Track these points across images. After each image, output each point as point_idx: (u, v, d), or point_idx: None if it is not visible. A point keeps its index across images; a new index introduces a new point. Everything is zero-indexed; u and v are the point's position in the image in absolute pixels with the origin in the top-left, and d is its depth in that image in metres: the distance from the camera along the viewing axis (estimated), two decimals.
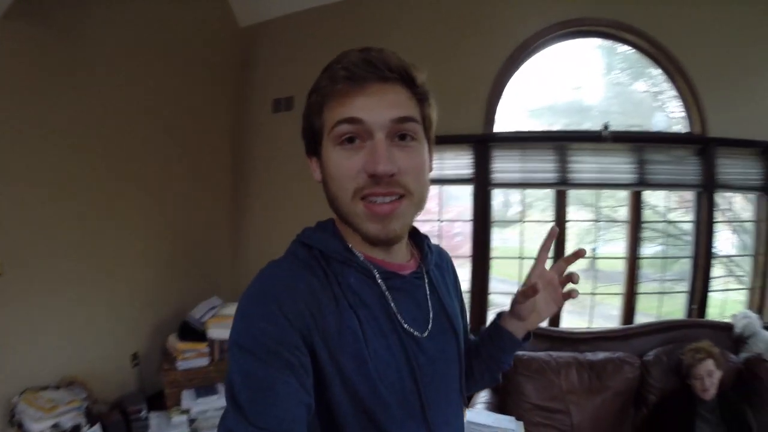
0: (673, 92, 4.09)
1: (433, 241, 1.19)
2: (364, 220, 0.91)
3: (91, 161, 3.48)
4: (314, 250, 0.96)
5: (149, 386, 3.93)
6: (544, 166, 3.96)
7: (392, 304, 0.95)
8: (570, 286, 1.12)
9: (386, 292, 0.95)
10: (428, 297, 1.04)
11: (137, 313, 3.91)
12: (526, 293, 1.08)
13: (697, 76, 3.93)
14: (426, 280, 1.06)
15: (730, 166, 3.95)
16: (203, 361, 3.68)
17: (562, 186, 3.98)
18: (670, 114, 4.26)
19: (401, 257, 1.04)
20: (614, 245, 4.33)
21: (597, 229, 4.33)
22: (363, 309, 0.91)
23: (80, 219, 3.43)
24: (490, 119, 4.00)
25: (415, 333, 0.96)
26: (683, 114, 4.08)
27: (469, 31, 4.11)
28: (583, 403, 2.78)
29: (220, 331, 3.69)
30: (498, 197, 4.33)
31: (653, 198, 4.26)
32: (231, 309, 3.76)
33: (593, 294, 4.16)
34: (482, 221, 4.00)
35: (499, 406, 2.83)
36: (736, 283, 4.25)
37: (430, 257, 1.10)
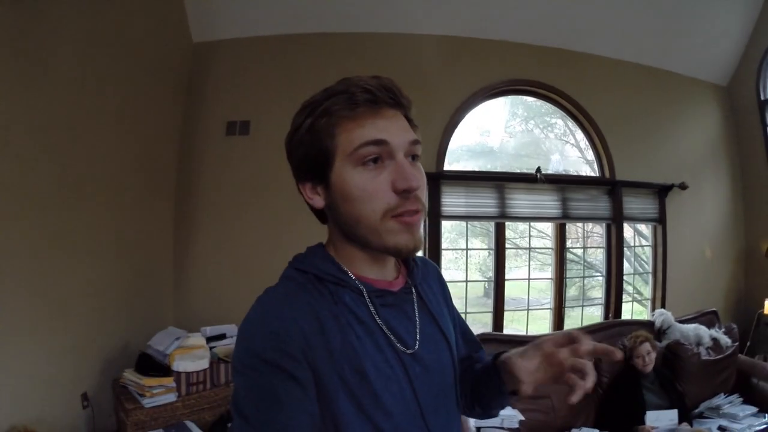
0: (586, 142, 5.12)
1: None
2: (396, 234, 0.93)
3: (28, 178, 3.07)
4: (308, 275, 0.98)
5: (101, 429, 3.63)
6: (485, 201, 4.73)
7: (379, 321, 0.97)
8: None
9: (373, 311, 0.97)
10: (416, 310, 1.06)
11: (83, 348, 3.55)
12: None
13: (606, 131, 5.01)
14: (414, 294, 1.08)
15: (633, 203, 5.01)
16: (171, 397, 3.35)
17: (501, 219, 4.75)
18: (569, 157, 5.31)
19: (390, 274, 1.07)
20: (518, 272, 5.22)
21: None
22: (360, 326, 0.94)
23: (16, 245, 3.00)
24: (441, 158, 4.73)
25: (404, 347, 0.98)
26: (593, 159, 5.14)
27: (424, 79, 4.79)
28: (558, 388, 3.40)
29: (186, 364, 3.44)
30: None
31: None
32: (196, 339, 3.64)
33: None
34: (435, 249, 4.66)
35: None
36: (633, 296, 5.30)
37: (417, 271, 1.11)
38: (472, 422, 3.07)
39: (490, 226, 5.12)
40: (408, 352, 0.98)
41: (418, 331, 1.03)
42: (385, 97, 0.93)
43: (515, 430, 3.10)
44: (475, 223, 5.26)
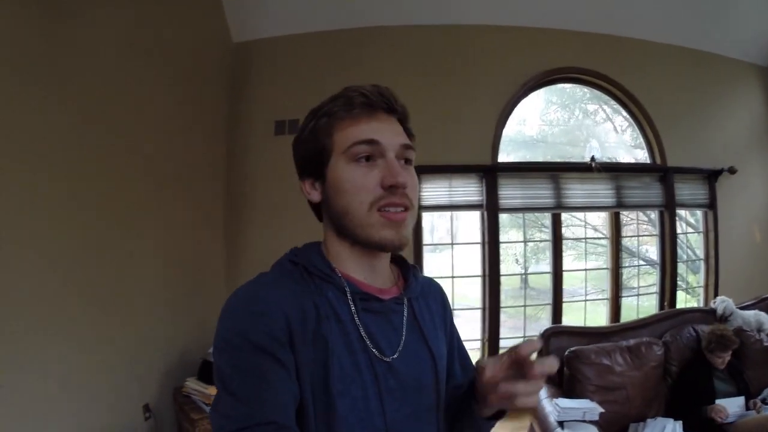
0: (632, 127, 5.22)
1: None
2: (380, 228, 0.98)
3: (78, 186, 3.01)
4: (299, 266, 1.03)
5: None
6: (541, 192, 4.77)
7: (359, 325, 0.99)
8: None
9: (355, 313, 0.99)
10: (404, 323, 1.07)
11: (142, 358, 3.53)
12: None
13: (655, 116, 5.04)
14: (406, 307, 1.10)
15: (683, 189, 5.07)
16: None
17: (557, 210, 4.80)
18: (609, 143, 5.39)
19: (384, 281, 1.09)
20: (543, 264, 5.29)
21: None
22: (337, 324, 0.96)
23: (78, 261, 3.00)
24: (495, 151, 4.75)
25: (381, 355, 0.99)
26: (638, 145, 5.23)
27: (473, 70, 4.88)
28: (632, 379, 3.52)
29: None
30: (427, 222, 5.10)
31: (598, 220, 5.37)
32: None
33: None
34: (494, 243, 4.70)
35: (567, 393, 3.46)
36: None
37: (414, 286, 1.13)
38: (553, 417, 3.14)
39: (522, 216, 5.27)
40: (384, 360, 0.99)
41: (401, 343, 1.04)
42: (380, 102, 1.02)
43: (595, 423, 3.13)
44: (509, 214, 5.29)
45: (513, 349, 0.90)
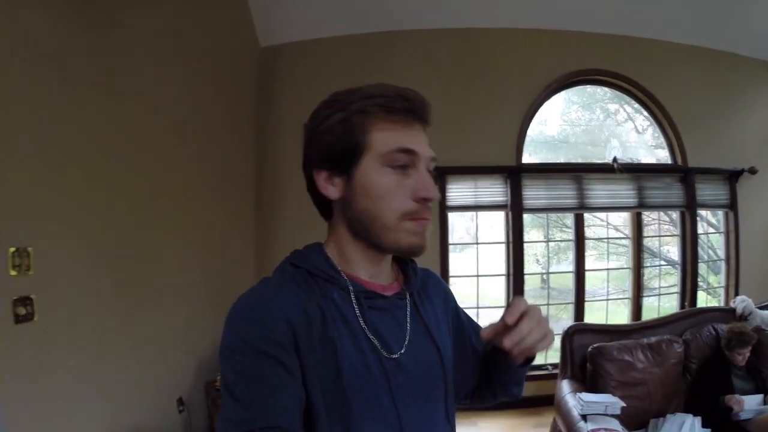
0: (652, 128, 5.35)
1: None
2: (408, 235, 0.99)
3: (118, 187, 3.18)
4: (301, 269, 1.02)
5: None
6: (565, 192, 4.93)
7: (363, 324, 0.99)
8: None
9: (360, 313, 1.00)
10: (408, 318, 1.09)
11: (176, 352, 3.68)
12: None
13: (676, 117, 5.15)
14: (409, 302, 1.11)
15: (704, 189, 5.18)
16: None
17: (580, 210, 4.95)
18: (630, 142, 5.56)
19: (386, 278, 1.10)
20: (564, 264, 5.40)
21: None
22: (344, 325, 0.97)
23: (116, 259, 3.16)
24: (519, 152, 4.91)
25: (388, 352, 1.00)
26: (659, 145, 5.35)
27: (497, 73, 5.04)
28: (653, 375, 3.65)
29: None
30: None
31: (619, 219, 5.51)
32: None
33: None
34: (519, 242, 4.87)
35: (590, 388, 3.59)
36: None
37: (415, 280, 1.15)
38: (576, 411, 3.26)
39: (546, 216, 5.44)
40: (392, 357, 1.00)
41: (407, 338, 1.05)
42: (419, 111, 1.00)
43: (617, 417, 3.24)
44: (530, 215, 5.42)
45: (503, 318, 0.96)
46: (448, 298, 1.28)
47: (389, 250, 1.05)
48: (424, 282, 1.21)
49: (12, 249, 2.45)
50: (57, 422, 2.66)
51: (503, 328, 0.95)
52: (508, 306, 0.98)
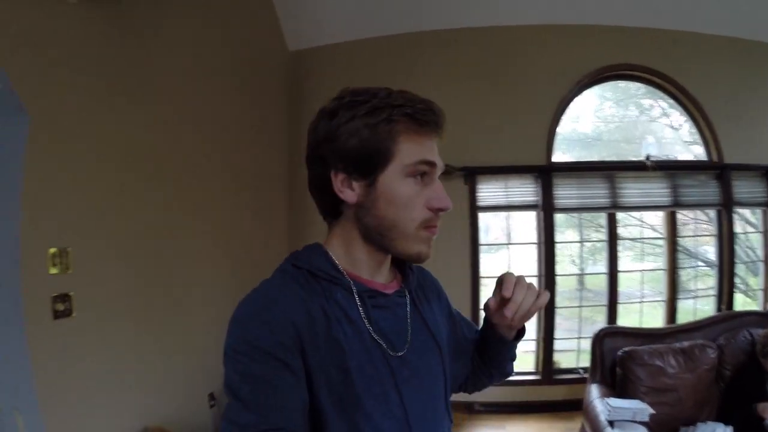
0: (687, 123, 5.21)
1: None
2: (421, 243, 1.03)
3: (152, 189, 3.36)
4: (303, 270, 1.04)
5: None
6: (597, 192, 4.85)
7: (366, 322, 1.02)
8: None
9: (362, 313, 1.02)
10: (408, 314, 1.12)
11: (207, 347, 3.68)
12: (487, 308, 1.19)
13: (711, 112, 5.01)
14: (408, 299, 1.15)
15: (741, 186, 5.02)
16: None
17: (613, 209, 4.87)
18: (666, 139, 5.43)
19: (385, 277, 1.13)
20: (601, 265, 5.28)
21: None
22: (348, 324, 0.99)
23: (150, 258, 3.33)
24: (549, 151, 4.87)
25: (392, 350, 1.03)
26: (693, 141, 5.21)
27: (527, 70, 5.00)
28: (684, 381, 3.56)
29: None
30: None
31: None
32: None
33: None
34: (550, 243, 4.82)
35: (619, 393, 3.54)
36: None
37: (412, 277, 1.18)
38: (603, 417, 3.22)
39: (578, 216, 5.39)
40: (398, 354, 1.03)
41: (409, 335, 1.08)
42: (441, 123, 1.02)
43: (645, 424, 3.18)
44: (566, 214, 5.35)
45: (500, 294, 1.10)
46: (441, 295, 1.33)
47: (397, 255, 1.07)
48: (420, 280, 1.24)
49: (53, 249, 2.60)
50: (93, 413, 2.80)
51: (501, 302, 1.10)
52: (500, 283, 1.10)
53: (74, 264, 2.70)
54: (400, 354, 1.04)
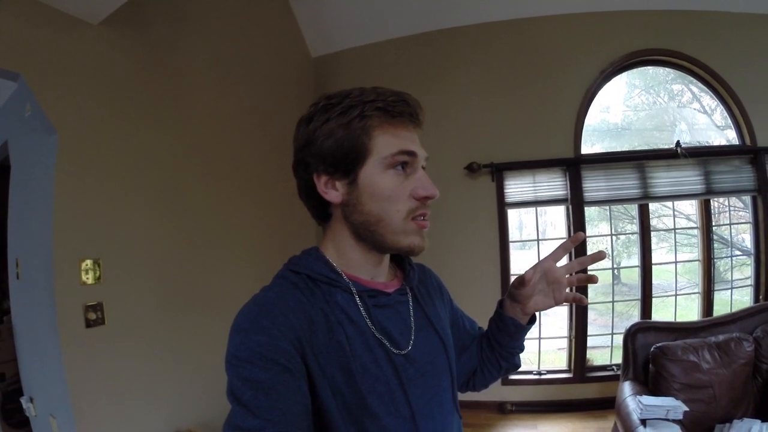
0: (719, 108, 5.16)
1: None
2: (411, 235, 1.06)
3: (179, 200, 3.56)
4: (301, 275, 1.08)
5: None
6: (627, 183, 4.86)
7: (368, 322, 1.05)
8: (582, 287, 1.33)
9: (364, 313, 1.06)
10: (411, 312, 1.15)
11: None
12: (519, 282, 1.23)
13: (743, 94, 4.94)
14: (410, 296, 1.18)
15: None
16: None
17: (644, 200, 4.88)
18: (698, 124, 5.40)
19: (385, 276, 1.17)
20: (635, 259, 5.25)
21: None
22: (350, 325, 1.02)
23: (178, 266, 3.51)
24: (577, 143, 4.90)
25: (396, 348, 1.07)
26: (726, 125, 5.15)
27: (550, 62, 5.03)
28: (720, 377, 3.52)
29: None
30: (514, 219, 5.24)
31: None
32: None
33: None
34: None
35: (653, 390, 3.55)
36: None
37: (413, 275, 1.22)
38: (636, 415, 3.23)
39: (608, 208, 5.38)
40: (401, 353, 1.07)
41: (412, 332, 1.12)
42: (415, 113, 1.07)
43: (679, 422, 3.18)
44: (598, 207, 5.36)
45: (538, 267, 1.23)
46: (443, 290, 1.39)
47: (390, 251, 1.11)
48: (421, 276, 1.29)
49: (87, 260, 2.82)
50: (125, 418, 2.99)
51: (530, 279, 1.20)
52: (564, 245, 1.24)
53: (105, 274, 2.92)
54: (404, 352, 1.08)
